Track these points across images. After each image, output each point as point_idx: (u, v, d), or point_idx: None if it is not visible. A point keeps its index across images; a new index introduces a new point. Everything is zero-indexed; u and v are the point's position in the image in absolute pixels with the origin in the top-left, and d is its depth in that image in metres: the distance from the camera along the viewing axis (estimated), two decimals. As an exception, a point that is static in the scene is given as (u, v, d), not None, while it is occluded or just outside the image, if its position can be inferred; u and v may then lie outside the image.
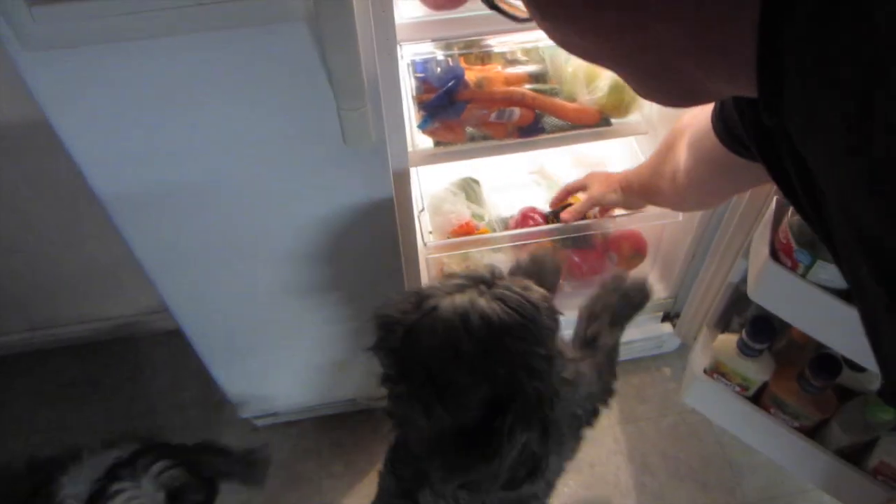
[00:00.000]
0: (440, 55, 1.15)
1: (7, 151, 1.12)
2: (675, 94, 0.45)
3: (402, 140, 0.98)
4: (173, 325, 1.54)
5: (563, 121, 1.23)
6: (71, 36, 0.67)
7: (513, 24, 0.50)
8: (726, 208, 1.13)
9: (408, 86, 1.11)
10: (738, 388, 1.11)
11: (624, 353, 1.48)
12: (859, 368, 1.02)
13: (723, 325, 1.20)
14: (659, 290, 1.43)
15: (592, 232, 1.34)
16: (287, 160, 0.84)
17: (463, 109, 1.17)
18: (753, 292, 0.93)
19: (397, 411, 0.75)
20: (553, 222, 1.27)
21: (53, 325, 1.52)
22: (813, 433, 1.08)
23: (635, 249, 1.36)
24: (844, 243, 0.38)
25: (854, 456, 1.05)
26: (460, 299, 0.68)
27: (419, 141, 1.16)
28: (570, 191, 1.23)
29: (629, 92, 1.21)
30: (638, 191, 1.05)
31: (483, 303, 0.67)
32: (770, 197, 0.97)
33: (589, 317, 0.93)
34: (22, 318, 1.50)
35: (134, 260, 1.28)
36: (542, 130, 1.23)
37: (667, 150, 0.88)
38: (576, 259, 1.39)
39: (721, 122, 0.66)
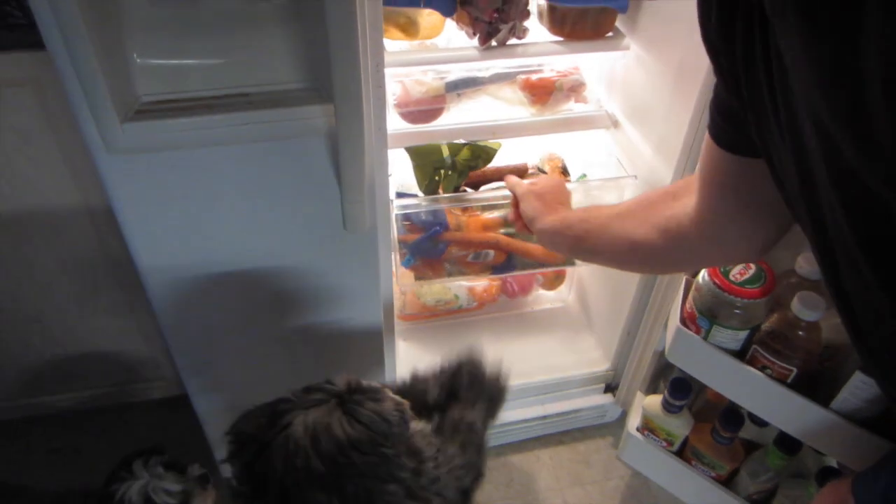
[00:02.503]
0: (425, 205, 1.33)
1: (50, 234, 1.31)
2: None
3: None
4: (162, 394, 1.70)
5: (532, 260, 1.45)
6: (146, 144, 0.89)
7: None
8: (651, 289, 1.37)
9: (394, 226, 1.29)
10: (664, 444, 1.31)
11: (571, 422, 1.69)
12: (761, 423, 1.24)
13: (652, 388, 1.41)
14: (601, 363, 1.64)
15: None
16: (298, 240, 1.05)
17: (444, 251, 1.39)
18: (669, 354, 1.15)
19: None
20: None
21: (52, 392, 1.64)
22: (727, 482, 1.28)
23: (557, 274, 1.66)
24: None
25: (762, 502, 1.25)
26: (312, 416, 0.71)
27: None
28: (510, 178, 1.19)
29: None
30: (576, 233, 0.95)
31: (334, 419, 0.71)
32: (681, 277, 1.21)
33: (447, 392, 1.02)
34: (24, 384, 1.62)
35: (138, 331, 1.46)
36: (513, 268, 1.46)
37: (659, 197, 0.85)
38: (507, 279, 1.64)
39: (716, 114, 0.66)
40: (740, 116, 0.59)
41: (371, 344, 1.29)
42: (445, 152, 1.37)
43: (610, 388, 1.69)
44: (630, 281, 1.43)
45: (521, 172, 1.43)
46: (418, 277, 1.43)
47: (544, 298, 1.81)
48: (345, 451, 0.70)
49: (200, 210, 0.98)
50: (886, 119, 0.37)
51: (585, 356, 1.67)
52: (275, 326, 1.20)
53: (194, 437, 1.63)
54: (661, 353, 1.31)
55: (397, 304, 1.69)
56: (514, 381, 1.57)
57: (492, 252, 1.42)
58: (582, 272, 1.73)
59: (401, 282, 1.42)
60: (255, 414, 0.78)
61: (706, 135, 0.69)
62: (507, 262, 1.45)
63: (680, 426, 1.27)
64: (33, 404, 1.66)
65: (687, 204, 0.77)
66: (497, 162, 1.39)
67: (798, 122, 0.49)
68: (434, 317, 1.71)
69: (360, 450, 0.71)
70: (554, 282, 1.73)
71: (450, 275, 1.44)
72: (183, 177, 0.93)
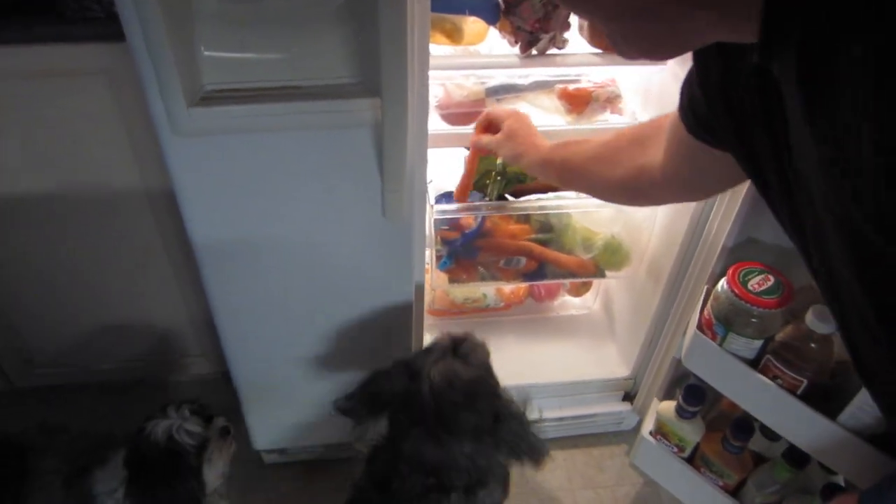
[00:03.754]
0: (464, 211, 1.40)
1: (112, 211, 1.42)
2: (670, 45, 0.54)
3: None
4: (203, 370, 1.79)
5: (563, 270, 1.50)
6: (208, 128, 0.97)
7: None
8: (674, 300, 1.41)
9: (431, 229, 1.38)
10: (675, 449, 1.35)
11: (587, 427, 1.73)
12: (772, 437, 1.27)
13: (668, 395, 1.45)
14: (621, 370, 1.68)
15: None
16: (340, 224, 1.12)
17: (477, 254, 1.45)
18: (685, 359, 1.19)
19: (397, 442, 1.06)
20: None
21: (99, 359, 1.75)
22: (735, 492, 1.31)
23: (584, 281, 1.70)
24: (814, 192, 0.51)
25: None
26: (441, 366, 1.01)
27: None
28: (488, 121, 1.23)
29: (620, 253, 1.49)
30: (559, 168, 1.09)
31: (457, 366, 1.01)
32: (702, 288, 1.25)
33: None
34: (74, 351, 1.73)
35: (185, 308, 1.55)
36: (544, 276, 1.51)
37: (628, 143, 0.98)
38: (536, 283, 1.70)
39: (689, 112, 0.76)
40: (712, 125, 0.72)
41: (401, 330, 1.35)
42: (499, 158, 1.44)
43: (629, 396, 1.72)
44: (654, 292, 1.47)
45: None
46: (452, 280, 1.49)
47: (570, 304, 1.85)
48: (470, 383, 1.00)
49: (253, 191, 1.06)
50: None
51: (606, 362, 1.71)
52: (312, 307, 1.27)
53: (231, 412, 1.73)
54: (679, 361, 1.35)
55: (427, 298, 1.76)
56: (534, 380, 1.63)
57: (524, 259, 1.47)
58: (609, 281, 1.77)
59: (434, 283, 1.49)
60: (390, 373, 1.09)
61: (675, 113, 0.81)
62: (538, 270, 1.50)
63: (692, 432, 1.31)
64: (82, 370, 1.76)
65: (654, 156, 0.90)
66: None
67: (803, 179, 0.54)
68: (462, 314, 1.77)
69: (477, 380, 1.02)
70: (580, 289, 1.77)
71: (483, 279, 1.50)
72: (239, 159, 1.01)
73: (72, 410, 1.81)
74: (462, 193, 1.36)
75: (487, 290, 1.74)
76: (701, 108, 0.72)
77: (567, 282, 1.75)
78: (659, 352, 1.51)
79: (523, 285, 1.75)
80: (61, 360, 1.73)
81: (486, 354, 1.08)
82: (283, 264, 1.18)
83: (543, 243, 1.47)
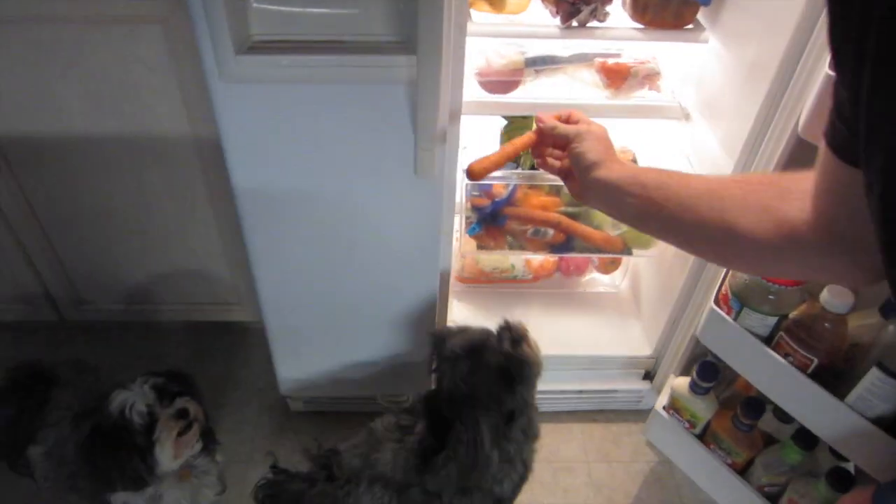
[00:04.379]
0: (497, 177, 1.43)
1: (160, 158, 1.50)
2: None
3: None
4: (239, 318, 1.87)
5: (590, 245, 1.52)
6: (254, 75, 1.03)
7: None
8: (698, 280, 1.42)
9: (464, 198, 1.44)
10: (687, 424, 1.37)
11: (606, 402, 1.76)
12: (783, 419, 1.28)
13: (685, 373, 1.46)
14: (643, 349, 1.70)
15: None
16: (374, 179, 1.18)
17: (505, 221, 1.48)
18: (701, 334, 1.21)
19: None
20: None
21: (142, 302, 1.85)
22: (742, 472, 1.32)
23: (613, 259, 1.72)
24: None
25: (772, 498, 1.29)
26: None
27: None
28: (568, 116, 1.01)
29: None
30: (651, 190, 0.80)
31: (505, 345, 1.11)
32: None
33: None
34: (120, 293, 1.83)
35: (224, 255, 1.62)
36: (571, 249, 1.53)
37: (761, 185, 0.73)
38: (565, 257, 1.73)
39: (837, 128, 0.56)
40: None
41: (428, 290, 1.40)
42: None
43: (649, 375, 1.74)
44: (680, 272, 1.48)
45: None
46: (480, 247, 1.53)
47: (597, 281, 1.88)
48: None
49: (293, 140, 1.12)
50: None
51: (629, 340, 1.73)
52: (343, 261, 1.33)
53: (262, 363, 1.82)
54: (698, 340, 1.37)
55: (456, 266, 1.81)
56: (557, 352, 1.66)
57: (551, 231, 1.49)
58: (638, 261, 1.78)
59: (463, 249, 1.53)
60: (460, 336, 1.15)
61: (822, 143, 0.60)
62: (565, 242, 1.52)
63: (704, 409, 1.33)
64: (127, 310, 1.87)
65: (801, 208, 0.66)
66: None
67: None
68: (489, 282, 1.81)
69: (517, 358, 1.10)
70: (609, 266, 1.79)
71: (510, 247, 1.53)
72: (281, 108, 1.07)
73: (116, 348, 1.93)
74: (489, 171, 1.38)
75: (516, 262, 1.77)
76: (847, 111, 0.53)
77: (596, 258, 1.78)
78: (680, 332, 1.53)
79: (552, 259, 1.78)
80: (108, 299, 1.84)
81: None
82: (318, 215, 1.24)
83: (572, 217, 1.49)
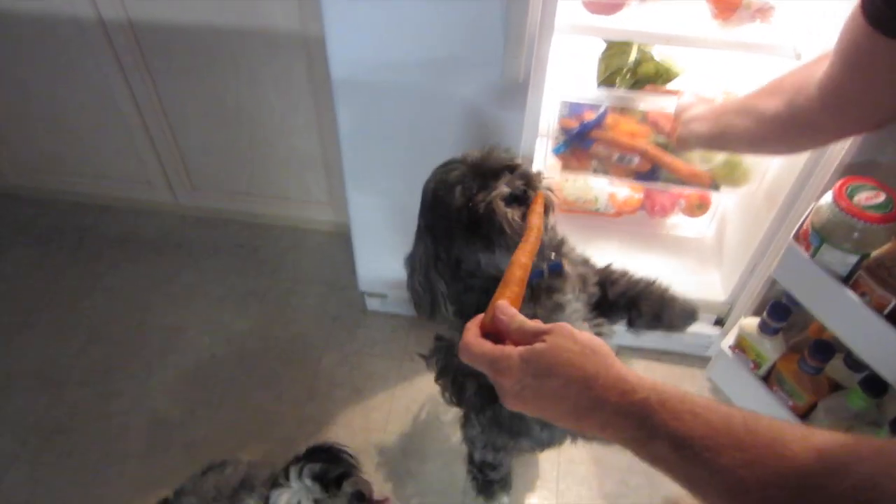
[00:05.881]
0: (590, 96, 1.44)
1: (273, 53, 1.60)
2: None
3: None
4: (327, 217, 1.99)
5: (676, 177, 1.49)
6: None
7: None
8: (782, 223, 1.39)
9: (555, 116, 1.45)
10: (752, 364, 1.36)
11: (673, 344, 1.75)
12: (854, 367, 1.25)
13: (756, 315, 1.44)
14: (718, 295, 1.68)
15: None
16: (463, 79, 1.22)
17: (592, 144, 1.48)
18: (776, 272, 1.20)
19: None
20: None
21: (244, 196, 2.00)
22: (804, 417, 1.31)
23: (701, 201, 1.70)
24: None
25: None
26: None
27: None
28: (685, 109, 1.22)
29: (740, 168, 1.47)
30: (720, 110, 1.08)
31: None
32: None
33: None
34: (224, 184, 1.98)
35: (321, 155, 1.72)
36: (656, 179, 1.51)
37: (791, 75, 0.88)
38: (651, 193, 1.73)
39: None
40: None
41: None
42: (632, 56, 1.45)
43: (720, 322, 1.72)
44: (766, 215, 1.44)
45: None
46: (564, 167, 1.54)
47: (682, 225, 1.85)
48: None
49: (391, 35, 1.17)
50: None
51: (705, 284, 1.71)
52: (428, 161, 1.39)
53: (345, 263, 1.93)
54: (773, 283, 1.35)
55: (540, 191, 1.83)
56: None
57: (636, 158, 1.48)
58: (727, 205, 1.74)
59: (546, 170, 1.55)
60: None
61: (855, 8, 0.68)
62: (650, 171, 1.51)
63: (771, 349, 1.31)
64: (230, 200, 2.03)
65: (816, 72, 0.78)
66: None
67: None
68: (571, 212, 1.83)
69: None
70: (696, 209, 1.76)
71: (594, 171, 1.53)
72: (384, 4, 1.13)
73: (218, 236, 2.11)
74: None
75: (600, 195, 1.78)
76: None
77: (682, 198, 1.75)
78: (757, 277, 1.50)
79: (637, 196, 1.77)
80: (216, 187, 2.00)
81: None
82: (409, 113, 1.30)
83: (662, 147, 1.47)
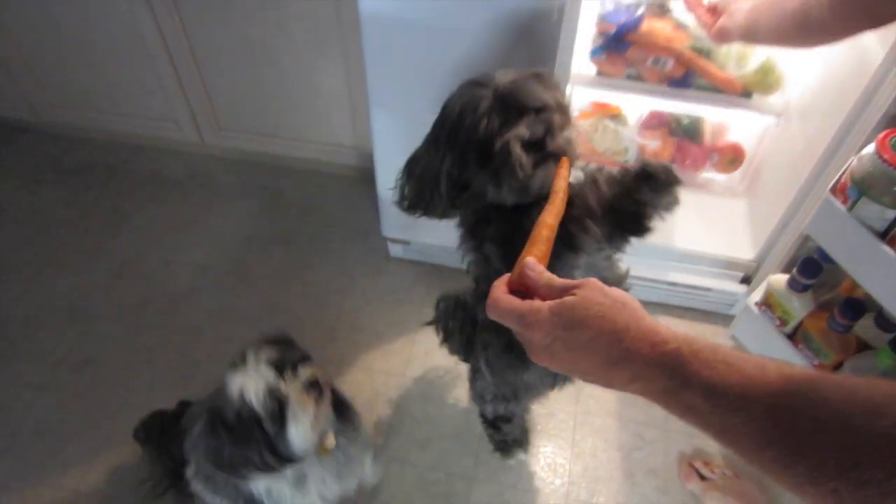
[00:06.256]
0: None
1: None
2: None
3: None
4: (350, 161, 1.98)
5: (709, 83, 1.47)
6: None
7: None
8: (818, 178, 1.34)
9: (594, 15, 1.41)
10: (778, 322, 1.34)
11: (697, 300, 1.73)
12: (885, 328, 1.22)
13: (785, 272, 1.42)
14: (746, 252, 1.64)
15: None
16: (493, 11, 1.18)
17: (627, 48, 1.45)
18: (810, 227, 1.16)
19: None
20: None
21: (267, 135, 1.99)
22: (829, 376, 1.29)
23: (735, 155, 1.65)
24: None
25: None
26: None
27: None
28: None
29: (773, 74, 1.43)
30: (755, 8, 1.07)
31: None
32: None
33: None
34: (248, 123, 1.98)
35: (346, 97, 1.69)
36: (689, 86, 1.48)
37: None
38: (682, 148, 1.68)
39: None
40: None
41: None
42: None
43: (747, 281, 1.69)
44: (803, 169, 1.40)
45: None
46: (599, 74, 1.50)
47: (714, 182, 1.81)
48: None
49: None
50: None
51: (733, 241, 1.67)
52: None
53: (369, 208, 1.93)
54: (805, 239, 1.32)
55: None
56: (653, 240, 1.64)
57: (671, 61, 1.44)
58: (761, 161, 1.69)
59: (577, 80, 1.48)
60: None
61: None
62: (683, 78, 1.45)
63: (799, 307, 1.29)
64: (255, 142, 2.02)
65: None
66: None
67: None
68: (599, 164, 1.79)
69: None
70: (728, 164, 1.72)
71: (628, 76, 1.49)
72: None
73: (242, 179, 2.11)
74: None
75: (630, 145, 1.73)
76: None
77: (715, 155, 1.70)
78: (788, 233, 1.46)
79: (669, 145, 1.72)
80: (242, 128, 1.99)
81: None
82: (436, 48, 1.27)
83: (697, 52, 1.44)
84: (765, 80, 1.44)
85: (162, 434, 1.28)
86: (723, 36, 1.19)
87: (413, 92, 1.37)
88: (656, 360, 0.52)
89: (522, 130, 0.89)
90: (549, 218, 0.76)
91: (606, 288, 0.57)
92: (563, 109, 0.95)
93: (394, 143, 1.49)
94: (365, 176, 1.99)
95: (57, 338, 1.73)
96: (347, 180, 2.09)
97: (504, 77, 0.92)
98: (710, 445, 1.49)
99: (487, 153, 0.90)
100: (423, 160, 1.00)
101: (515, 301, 0.59)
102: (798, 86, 1.43)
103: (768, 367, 0.49)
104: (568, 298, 0.56)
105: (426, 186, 0.99)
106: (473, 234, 1.03)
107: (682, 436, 1.54)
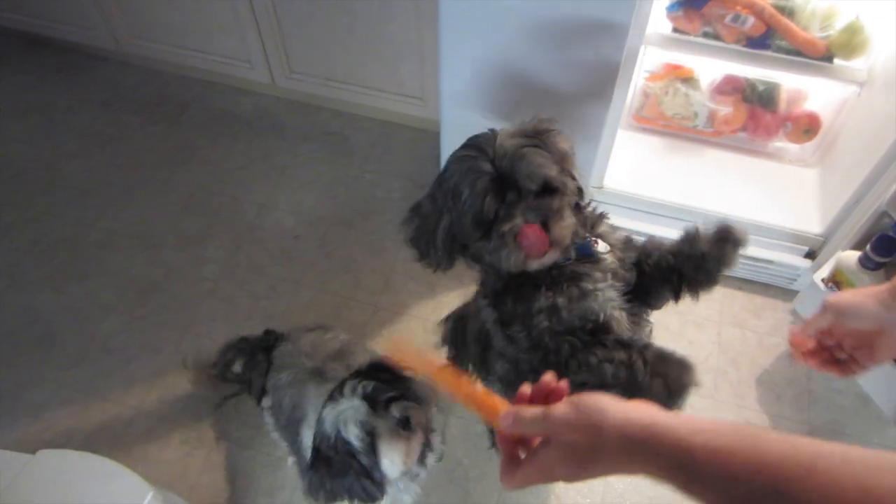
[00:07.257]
0: None
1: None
2: None
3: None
4: (417, 113, 1.98)
5: (789, 45, 1.41)
6: None
7: None
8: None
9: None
10: (843, 298, 1.31)
11: (758, 273, 1.70)
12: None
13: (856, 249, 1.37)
14: (813, 227, 1.60)
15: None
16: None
17: (705, 3, 1.40)
18: (889, 202, 1.12)
19: None
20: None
21: (341, 81, 2.01)
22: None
23: (810, 125, 1.59)
24: None
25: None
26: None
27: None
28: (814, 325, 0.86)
29: (860, 35, 1.37)
30: None
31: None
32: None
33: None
34: (321, 67, 2.00)
35: (417, 49, 1.68)
36: (767, 47, 1.42)
37: None
38: (755, 115, 1.64)
39: None
40: None
41: (597, 113, 1.40)
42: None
43: (811, 255, 1.65)
44: (884, 141, 1.34)
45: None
46: (675, 30, 1.45)
47: (786, 152, 1.75)
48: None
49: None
50: None
51: (800, 214, 1.63)
52: (523, 61, 1.35)
53: (432, 160, 1.94)
54: (882, 215, 1.27)
55: (637, 103, 1.76)
56: (717, 208, 1.61)
57: (751, 19, 1.38)
58: (838, 131, 1.63)
59: (657, 31, 1.45)
60: None
61: None
62: (762, 38, 1.40)
63: (870, 285, 1.26)
64: (325, 86, 2.04)
65: None
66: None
67: None
68: (667, 128, 1.76)
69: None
70: (802, 135, 1.66)
71: (704, 35, 1.44)
72: None
73: (310, 124, 2.15)
74: None
75: (700, 110, 1.69)
76: None
77: (790, 124, 1.65)
78: (862, 209, 1.41)
79: (741, 111, 1.67)
80: (313, 72, 2.02)
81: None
82: (510, 17, 1.26)
83: (779, 11, 1.38)
84: (850, 42, 1.37)
85: (251, 357, 1.37)
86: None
87: (483, 48, 1.36)
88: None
89: (518, 222, 0.88)
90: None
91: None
92: (567, 170, 0.94)
93: (461, 96, 1.49)
94: (430, 127, 2.00)
95: (126, 262, 1.82)
96: (412, 131, 2.10)
97: (507, 142, 0.90)
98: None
99: (485, 226, 0.90)
100: (424, 209, 1.00)
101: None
102: (884, 53, 1.37)
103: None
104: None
105: (424, 237, 1.00)
106: (496, 307, 1.02)
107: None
